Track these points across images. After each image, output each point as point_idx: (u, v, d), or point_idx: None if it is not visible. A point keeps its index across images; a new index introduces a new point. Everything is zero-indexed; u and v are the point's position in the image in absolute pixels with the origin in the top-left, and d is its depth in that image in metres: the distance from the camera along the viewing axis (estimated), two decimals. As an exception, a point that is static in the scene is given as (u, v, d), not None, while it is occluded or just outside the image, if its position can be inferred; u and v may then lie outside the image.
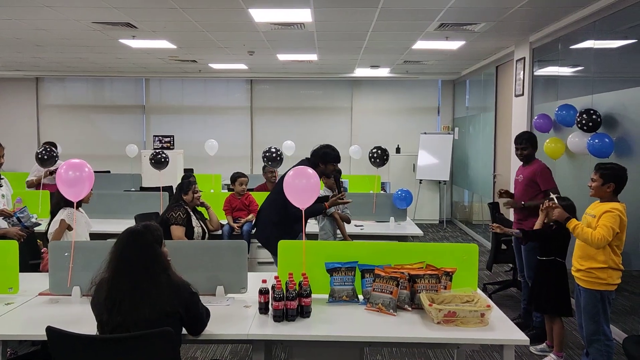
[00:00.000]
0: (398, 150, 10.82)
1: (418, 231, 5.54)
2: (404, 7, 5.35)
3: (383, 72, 10.40)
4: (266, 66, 9.85)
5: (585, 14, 5.32)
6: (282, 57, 8.60)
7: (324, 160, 4.53)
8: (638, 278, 4.48)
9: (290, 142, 9.28)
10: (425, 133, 10.73)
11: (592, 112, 4.96)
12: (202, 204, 5.15)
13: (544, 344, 4.32)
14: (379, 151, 6.16)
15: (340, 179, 4.97)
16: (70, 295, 3.17)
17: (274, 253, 4.22)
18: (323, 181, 4.85)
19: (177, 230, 4.68)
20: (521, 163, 5.02)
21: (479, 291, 3.16)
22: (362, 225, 5.63)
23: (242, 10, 5.47)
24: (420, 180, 10.64)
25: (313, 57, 8.58)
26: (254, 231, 4.98)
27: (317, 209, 4.50)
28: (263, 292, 2.90)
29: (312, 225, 5.64)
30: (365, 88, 11.33)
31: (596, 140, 4.82)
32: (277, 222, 4.36)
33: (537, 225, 4.10)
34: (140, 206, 5.85)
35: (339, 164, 4.66)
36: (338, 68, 10.11)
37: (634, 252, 4.51)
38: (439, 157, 10.49)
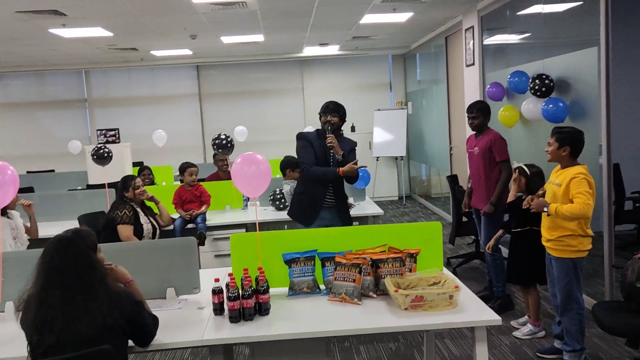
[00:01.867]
0: (353, 128, 10.65)
1: (378, 210, 5.40)
2: (348, -21, 5.14)
3: (332, 49, 10.17)
4: (211, 50, 9.47)
5: (532, -23, 5.23)
6: (226, 39, 8.25)
7: (319, 114, 4.30)
8: (598, 240, 4.46)
9: (243, 128, 8.98)
10: (379, 110, 10.59)
11: (544, 77, 4.89)
12: (152, 199, 4.86)
13: (525, 316, 4.27)
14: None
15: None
16: (4, 312, 2.87)
17: (296, 221, 4.39)
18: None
19: (125, 230, 4.38)
20: (472, 134, 4.92)
21: (445, 270, 3.02)
22: (321, 209, 5.44)
23: (178, -10, 5.14)
24: (377, 157, 10.53)
25: (259, 38, 8.26)
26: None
27: (328, 174, 4.11)
28: (216, 291, 2.67)
29: (269, 213, 5.44)
30: (316, 67, 11.08)
31: (550, 105, 4.76)
32: (299, 192, 4.40)
33: (510, 197, 4.00)
34: (86, 205, 5.50)
35: (333, 117, 4.16)
36: (286, 48, 9.82)
37: (595, 215, 4.48)
38: (394, 132, 10.38)
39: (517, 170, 3.98)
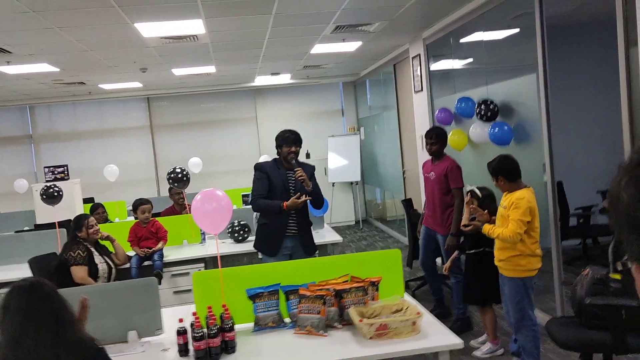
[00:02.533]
0: (308, 155, 10.74)
1: (337, 237, 5.45)
2: (298, 12, 5.25)
3: (284, 79, 10.29)
4: (162, 82, 9.41)
5: (472, 7, 5.48)
6: (177, 71, 8.23)
7: (277, 142, 4.29)
8: (547, 256, 4.64)
9: (197, 159, 8.93)
10: (332, 136, 10.75)
11: (489, 102, 5.11)
12: (107, 238, 4.76)
13: (484, 335, 4.37)
14: (289, 160, 6.00)
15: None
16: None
17: (260, 252, 4.43)
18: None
19: (79, 271, 4.25)
20: (429, 159, 5.07)
21: (407, 296, 3.09)
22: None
23: (128, 26, 5.12)
24: (333, 183, 10.64)
25: (211, 69, 8.29)
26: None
27: (272, 207, 4.14)
28: (181, 332, 2.64)
29: (228, 246, 5.39)
30: (268, 96, 11.16)
31: (496, 129, 4.97)
32: (260, 223, 4.44)
33: (464, 220, 4.13)
34: (36, 247, 5.27)
35: (297, 147, 4.25)
36: (238, 78, 9.87)
37: (540, 232, 4.68)
38: (348, 158, 10.54)
39: (469, 194, 4.12)
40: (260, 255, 4.51)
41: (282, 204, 4.09)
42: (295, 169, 4.18)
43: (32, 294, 2.12)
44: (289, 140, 4.24)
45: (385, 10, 5.53)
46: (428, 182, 4.97)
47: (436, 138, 4.84)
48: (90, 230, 4.48)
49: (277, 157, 4.37)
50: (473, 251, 4.13)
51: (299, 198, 4.09)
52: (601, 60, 5.49)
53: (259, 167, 4.35)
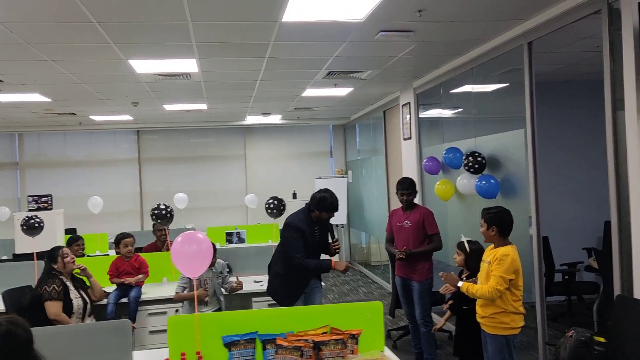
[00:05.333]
0: (295, 196, 10.72)
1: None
2: (291, 57, 5.31)
3: (275, 119, 10.36)
4: (153, 116, 9.42)
5: (463, 61, 5.59)
6: (169, 107, 8.26)
7: (319, 206, 4.34)
8: (531, 312, 4.59)
9: (183, 195, 8.87)
10: (320, 177, 10.75)
11: (477, 154, 5.15)
12: (84, 271, 4.67)
13: None
14: (275, 201, 5.97)
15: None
16: None
17: (280, 305, 4.42)
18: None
19: (53, 307, 4.14)
20: (398, 207, 5.12)
21: (387, 351, 3.02)
22: (261, 281, 5.36)
23: (122, 62, 5.14)
24: (319, 225, 10.57)
25: (202, 106, 8.32)
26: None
27: (323, 267, 4.36)
28: (151, 380, 2.55)
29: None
30: (258, 135, 11.21)
31: (483, 182, 4.99)
32: (283, 274, 4.42)
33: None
34: (12, 278, 5.16)
35: (334, 213, 4.45)
36: (229, 116, 9.92)
37: (525, 287, 4.64)
38: (335, 200, 10.50)
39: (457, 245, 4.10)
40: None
41: (330, 263, 4.32)
42: (335, 240, 4.57)
43: (5, 343, 2.04)
44: (334, 208, 4.38)
45: (378, 60, 5.62)
46: (402, 230, 4.98)
47: (412, 188, 4.97)
48: (66, 260, 4.41)
49: (307, 212, 4.45)
50: (465, 307, 3.99)
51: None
52: (588, 119, 5.60)
53: (296, 227, 4.37)
